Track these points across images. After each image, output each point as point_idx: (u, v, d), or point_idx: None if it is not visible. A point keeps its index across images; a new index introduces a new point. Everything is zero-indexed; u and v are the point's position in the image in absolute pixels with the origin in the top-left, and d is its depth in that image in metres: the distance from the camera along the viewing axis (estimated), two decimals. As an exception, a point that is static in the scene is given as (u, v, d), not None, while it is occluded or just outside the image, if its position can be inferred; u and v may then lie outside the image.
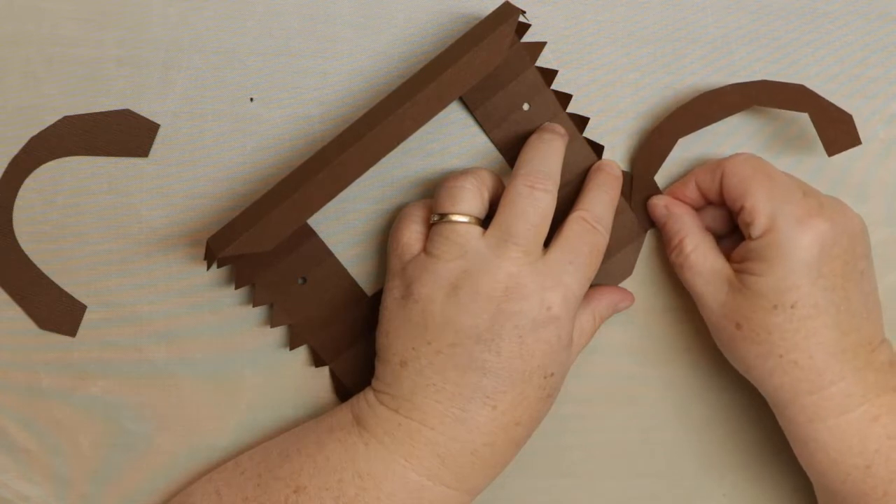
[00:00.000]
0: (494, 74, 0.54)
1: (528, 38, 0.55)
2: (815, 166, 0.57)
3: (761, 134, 0.57)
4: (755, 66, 0.57)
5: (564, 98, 0.56)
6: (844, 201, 0.53)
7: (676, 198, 0.56)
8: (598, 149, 0.57)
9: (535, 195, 0.51)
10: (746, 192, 0.52)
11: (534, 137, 0.54)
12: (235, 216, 0.53)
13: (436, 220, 0.52)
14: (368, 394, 0.52)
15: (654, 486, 0.59)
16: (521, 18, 0.52)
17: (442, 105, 0.51)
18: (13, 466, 0.56)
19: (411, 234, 0.53)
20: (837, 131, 0.53)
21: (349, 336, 0.56)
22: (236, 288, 0.55)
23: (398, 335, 0.51)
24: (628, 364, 0.58)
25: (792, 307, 0.50)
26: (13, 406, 0.56)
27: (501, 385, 0.50)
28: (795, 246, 0.50)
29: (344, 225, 0.56)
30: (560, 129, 0.55)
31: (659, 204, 0.55)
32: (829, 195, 0.53)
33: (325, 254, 0.56)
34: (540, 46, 0.56)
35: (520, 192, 0.51)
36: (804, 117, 0.57)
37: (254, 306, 0.56)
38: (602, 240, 0.53)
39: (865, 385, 0.51)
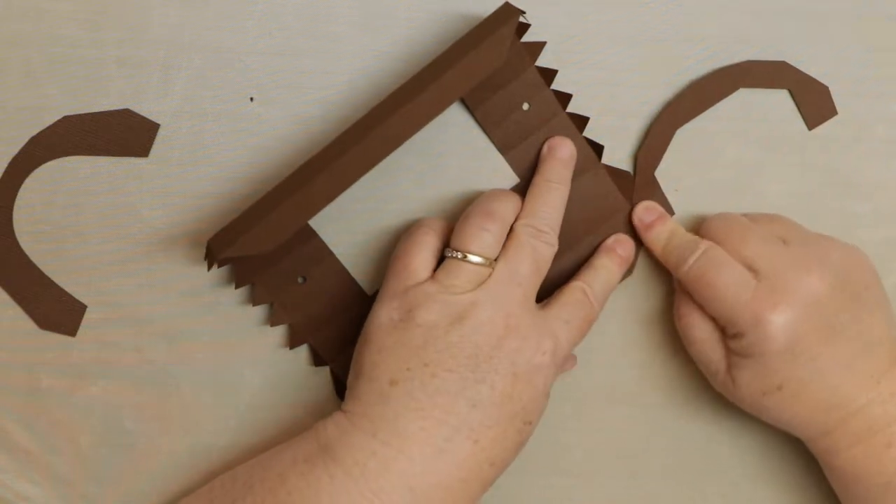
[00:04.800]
0: (494, 74, 0.55)
1: (529, 37, 0.55)
2: (816, 167, 0.58)
3: (755, 134, 0.57)
4: (755, 66, 0.57)
5: (564, 98, 0.56)
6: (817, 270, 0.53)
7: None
8: (597, 148, 0.57)
9: (538, 247, 0.53)
10: (708, 304, 0.54)
11: (541, 181, 0.55)
12: (236, 217, 0.53)
13: (455, 256, 0.52)
14: (339, 418, 0.51)
15: (654, 486, 0.59)
16: (521, 19, 0.52)
17: (442, 107, 0.51)
18: (13, 466, 0.56)
19: (421, 261, 0.52)
20: (815, 104, 0.56)
21: (349, 335, 0.56)
22: (236, 287, 0.55)
23: (392, 353, 0.50)
24: (628, 364, 0.58)
25: (779, 389, 0.52)
26: (13, 406, 0.56)
27: (487, 420, 0.50)
28: (762, 341, 0.52)
29: (344, 224, 0.56)
30: (568, 154, 0.56)
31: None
32: (810, 236, 0.55)
33: (324, 253, 0.56)
34: (540, 46, 0.56)
35: (524, 240, 0.52)
36: (796, 127, 0.57)
37: (253, 305, 0.56)
38: (594, 315, 0.54)
39: (871, 420, 0.52)
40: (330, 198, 0.51)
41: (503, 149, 0.56)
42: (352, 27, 0.56)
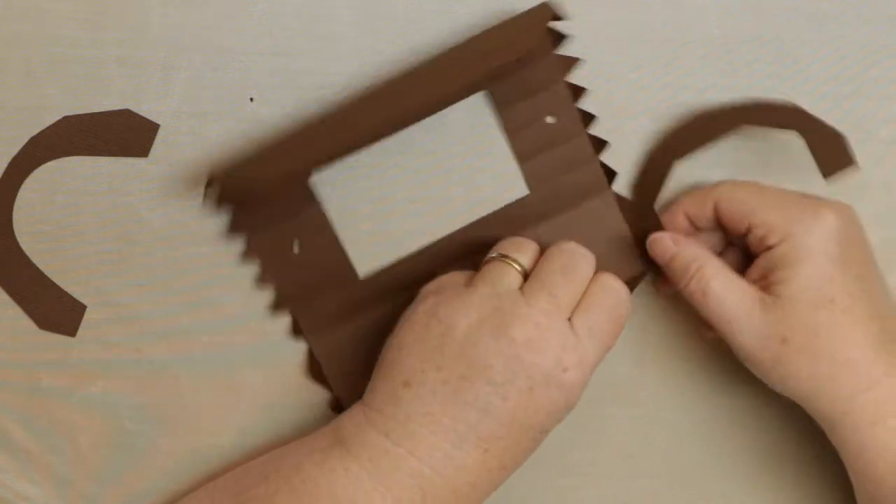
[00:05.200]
0: (525, 79, 0.54)
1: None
2: (812, 168, 0.57)
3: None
4: (755, 66, 0.57)
5: (588, 118, 0.56)
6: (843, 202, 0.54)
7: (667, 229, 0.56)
8: (610, 174, 0.56)
9: (580, 252, 0.52)
10: (751, 211, 0.53)
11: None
12: (246, 157, 0.53)
13: (492, 257, 0.52)
14: (356, 413, 0.51)
15: (654, 486, 0.59)
16: (561, 29, 0.52)
17: (465, 81, 0.50)
18: (13, 466, 0.56)
19: (464, 274, 0.53)
20: (831, 151, 0.53)
21: (332, 313, 0.56)
22: (228, 233, 0.55)
23: (411, 352, 0.50)
24: (628, 364, 0.58)
25: (832, 302, 0.51)
26: (13, 406, 0.56)
27: (498, 430, 0.49)
28: (817, 239, 0.51)
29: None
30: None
31: (664, 237, 0.54)
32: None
33: (324, 225, 0.56)
34: (574, 62, 0.55)
35: (565, 248, 0.52)
36: (798, 142, 0.57)
37: (242, 258, 0.55)
38: (625, 309, 0.52)
39: None
40: (340, 150, 0.50)
41: (520, 157, 0.56)
42: (352, 27, 0.56)
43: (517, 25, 0.53)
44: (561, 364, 0.49)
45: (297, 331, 0.56)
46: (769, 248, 0.52)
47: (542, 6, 0.54)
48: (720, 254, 0.56)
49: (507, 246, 0.53)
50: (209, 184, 0.52)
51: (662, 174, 0.56)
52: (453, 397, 0.49)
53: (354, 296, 0.56)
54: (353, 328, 0.56)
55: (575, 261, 0.51)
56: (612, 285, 0.52)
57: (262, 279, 0.56)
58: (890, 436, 0.50)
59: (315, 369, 0.57)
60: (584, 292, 0.51)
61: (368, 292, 0.56)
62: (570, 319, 0.51)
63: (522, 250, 0.52)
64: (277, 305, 0.56)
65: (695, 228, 0.55)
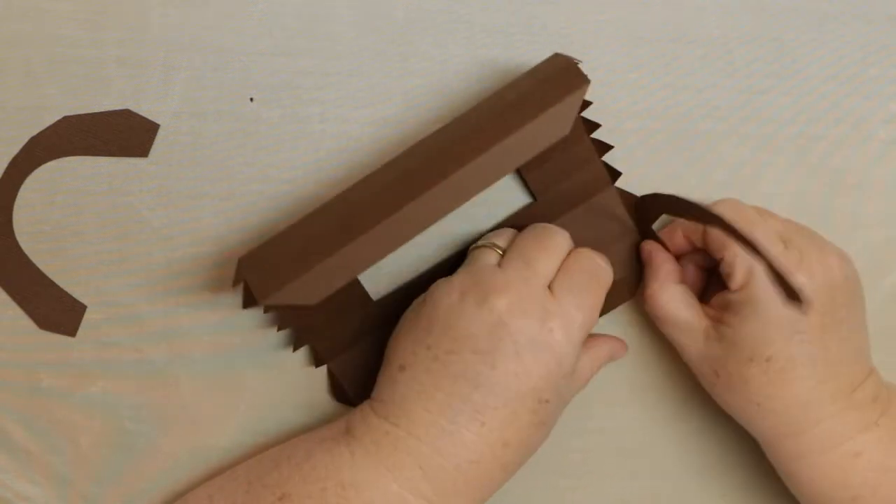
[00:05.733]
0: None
1: (528, 36, 0.55)
2: (816, 167, 0.58)
3: (755, 134, 0.57)
4: (755, 66, 0.57)
5: (591, 126, 0.56)
6: (827, 239, 0.53)
7: (664, 245, 0.56)
8: (613, 174, 0.56)
9: (554, 228, 0.53)
10: (725, 244, 0.52)
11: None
12: (272, 242, 0.51)
13: (472, 247, 0.54)
14: (365, 405, 0.53)
15: (654, 487, 0.59)
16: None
17: (498, 175, 0.49)
18: (13, 466, 0.56)
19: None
20: (785, 286, 0.49)
21: (349, 337, 0.56)
22: (246, 304, 0.52)
23: (405, 337, 0.52)
24: (628, 364, 0.58)
25: (767, 360, 0.51)
26: (13, 406, 0.56)
27: (492, 400, 0.49)
28: (771, 303, 0.51)
29: None
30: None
31: (645, 249, 0.56)
32: (814, 237, 0.53)
33: None
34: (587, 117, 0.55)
35: (539, 225, 0.53)
36: (796, 127, 0.57)
37: (265, 311, 0.55)
38: (605, 274, 0.53)
39: (846, 425, 0.51)
40: (381, 255, 0.50)
41: (525, 168, 0.56)
42: (352, 27, 0.56)
43: (545, 94, 0.50)
44: (545, 325, 0.50)
45: (318, 361, 0.56)
46: (729, 290, 0.52)
47: (564, 61, 0.52)
48: (711, 271, 0.56)
49: (487, 235, 0.54)
50: (244, 284, 0.50)
51: (650, 219, 0.56)
52: (444, 372, 0.50)
53: (370, 317, 0.56)
54: (369, 345, 0.56)
55: (548, 232, 0.52)
56: (589, 254, 0.53)
57: (280, 325, 0.56)
58: (812, 471, 0.52)
59: (338, 390, 0.57)
60: (562, 264, 0.52)
61: (383, 310, 0.56)
62: (550, 288, 0.51)
63: (500, 234, 0.54)
64: (297, 344, 0.56)
65: (692, 246, 0.55)
